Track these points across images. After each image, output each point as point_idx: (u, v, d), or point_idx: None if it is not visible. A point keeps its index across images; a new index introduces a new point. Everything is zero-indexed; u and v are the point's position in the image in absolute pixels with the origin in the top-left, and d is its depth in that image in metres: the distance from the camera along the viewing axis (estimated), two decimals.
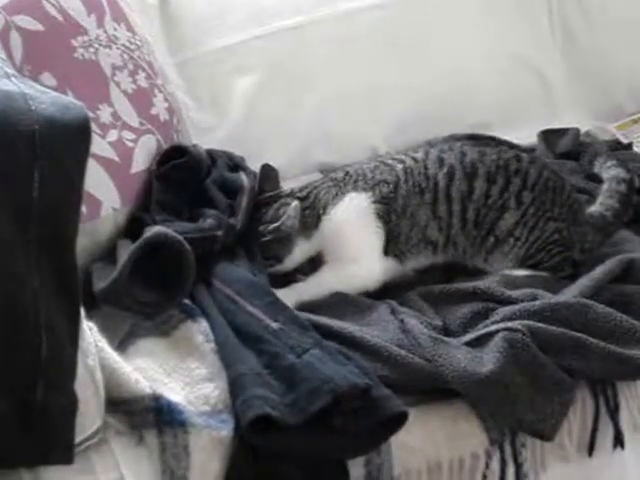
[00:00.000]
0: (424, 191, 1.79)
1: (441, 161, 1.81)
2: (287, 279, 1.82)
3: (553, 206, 1.81)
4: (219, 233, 1.73)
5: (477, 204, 1.79)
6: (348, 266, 1.79)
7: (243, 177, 1.89)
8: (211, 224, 1.74)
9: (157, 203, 1.79)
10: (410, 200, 1.79)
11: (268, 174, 1.94)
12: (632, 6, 2.48)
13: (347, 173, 1.85)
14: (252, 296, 1.62)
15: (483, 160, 1.81)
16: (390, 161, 1.85)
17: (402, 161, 1.84)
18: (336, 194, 1.82)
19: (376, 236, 1.79)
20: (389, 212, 1.79)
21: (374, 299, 1.75)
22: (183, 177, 1.84)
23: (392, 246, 1.80)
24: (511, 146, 1.96)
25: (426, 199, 1.79)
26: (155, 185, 1.81)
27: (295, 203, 1.81)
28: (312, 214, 1.82)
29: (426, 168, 1.81)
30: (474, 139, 2.04)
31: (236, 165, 1.95)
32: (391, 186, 1.80)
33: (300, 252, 1.82)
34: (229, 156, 1.98)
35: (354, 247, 1.80)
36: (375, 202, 1.80)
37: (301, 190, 1.86)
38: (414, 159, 1.83)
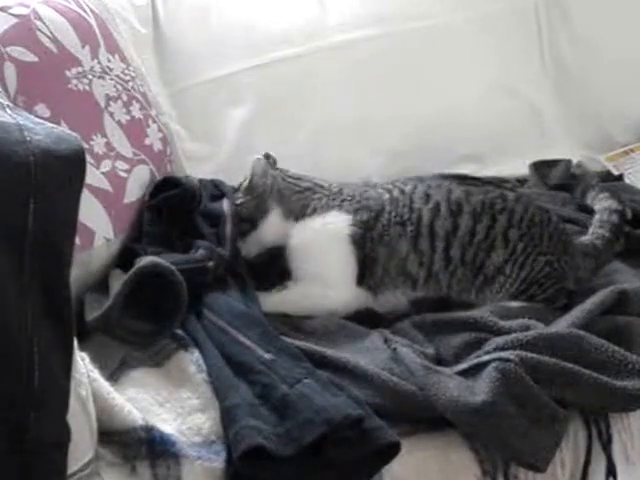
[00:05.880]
0: (406, 223, 1.80)
1: (427, 196, 1.82)
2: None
3: (541, 240, 1.81)
4: (210, 264, 1.73)
5: (461, 242, 1.79)
6: (319, 287, 1.79)
7: (224, 204, 1.89)
8: (202, 255, 1.74)
9: (147, 235, 1.80)
10: (389, 229, 1.80)
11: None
12: (622, 38, 2.49)
13: (340, 190, 1.87)
14: (244, 327, 1.62)
15: (469, 199, 1.82)
16: (380, 189, 1.87)
17: (390, 191, 1.85)
18: (323, 205, 1.84)
19: (349, 260, 1.80)
20: (364, 238, 1.80)
21: (367, 328, 1.74)
22: (175, 209, 1.84)
23: (367, 276, 1.80)
24: (497, 185, 1.97)
25: (408, 231, 1.80)
26: (146, 216, 1.82)
27: (257, 157, 1.85)
28: (299, 204, 1.84)
29: (411, 201, 1.82)
30: (461, 179, 2.05)
31: (223, 193, 1.95)
32: (372, 213, 1.81)
33: (274, 223, 1.84)
34: (216, 185, 1.99)
35: (326, 267, 1.80)
36: (353, 225, 1.80)
37: (294, 177, 1.90)
38: (402, 191, 1.84)
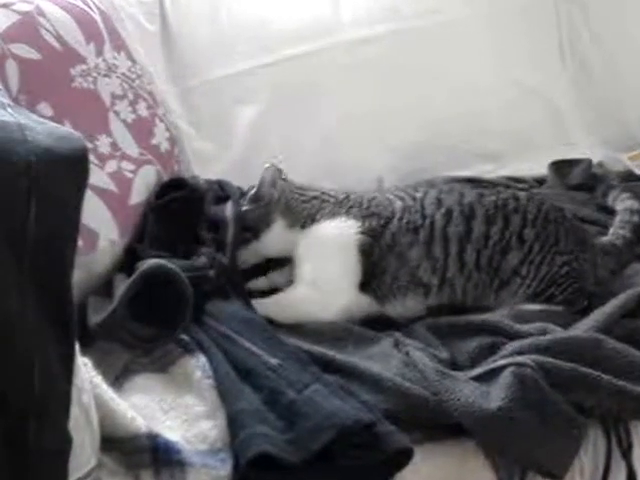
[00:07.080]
0: (419, 229, 1.77)
1: (439, 202, 1.80)
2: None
3: (558, 239, 1.78)
4: (210, 273, 1.71)
5: (476, 246, 1.76)
6: (314, 292, 1.76)
7: (227, 208, 1.87)
8: (203, 263, 1.72)
9: (150, 237, 1.78)
10: (400, 238, 1.77)
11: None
12: None
13: (347, 197, 1.84)
14: (249, 332, 1.61)
15: (481, 201, 1.79)
16: (391, 196, 1.84)
17: (402, 198, 1.82)
18: (329, 211, 1.81)
19: (352, 266, 1.77)
20: (373, 246, 1.77)
21: (380, 330, 1.72)
22: (181, 211, 1.82)
23: (374, 284, 1.77)
24: (508, 186, 1.95)
25: (420, 238, 1.77)
26: (150, 218, 1.81)
27: (267, 165, 1.82)
28: (305, 213, 1.81)
29: (423, 207, 1.79)
30: (473, 182, 2.04)
31: (227, 196, 1.92)
32: (382, 221, 1.79)
33: (276, 235, 1.82)
34: (222, 186, 1.97)
35: (325, 272, 1.77)
36: (361, 233, 1.77)
37: (301, 187, 1.87)
38: (413, 198, 1.82)
